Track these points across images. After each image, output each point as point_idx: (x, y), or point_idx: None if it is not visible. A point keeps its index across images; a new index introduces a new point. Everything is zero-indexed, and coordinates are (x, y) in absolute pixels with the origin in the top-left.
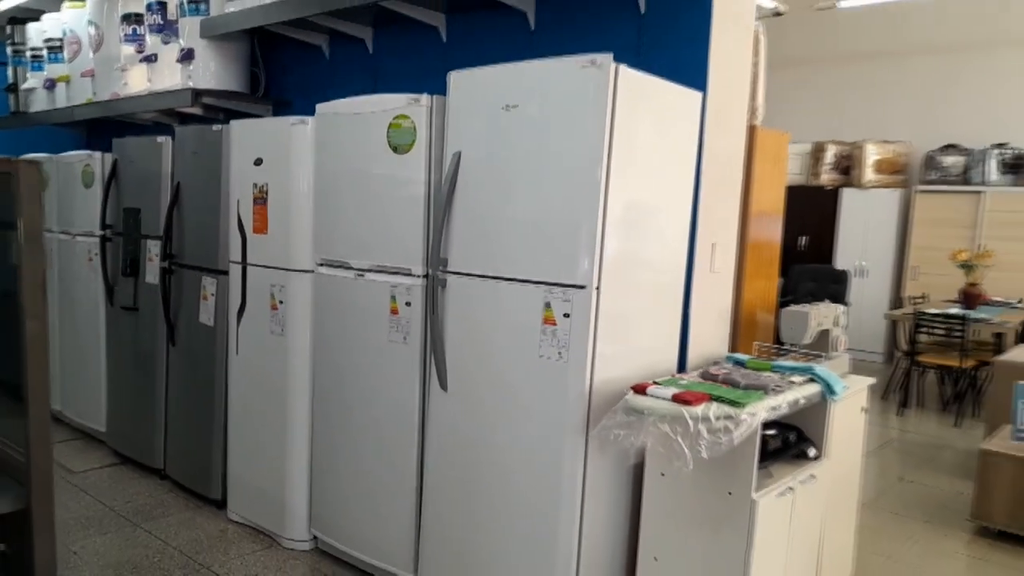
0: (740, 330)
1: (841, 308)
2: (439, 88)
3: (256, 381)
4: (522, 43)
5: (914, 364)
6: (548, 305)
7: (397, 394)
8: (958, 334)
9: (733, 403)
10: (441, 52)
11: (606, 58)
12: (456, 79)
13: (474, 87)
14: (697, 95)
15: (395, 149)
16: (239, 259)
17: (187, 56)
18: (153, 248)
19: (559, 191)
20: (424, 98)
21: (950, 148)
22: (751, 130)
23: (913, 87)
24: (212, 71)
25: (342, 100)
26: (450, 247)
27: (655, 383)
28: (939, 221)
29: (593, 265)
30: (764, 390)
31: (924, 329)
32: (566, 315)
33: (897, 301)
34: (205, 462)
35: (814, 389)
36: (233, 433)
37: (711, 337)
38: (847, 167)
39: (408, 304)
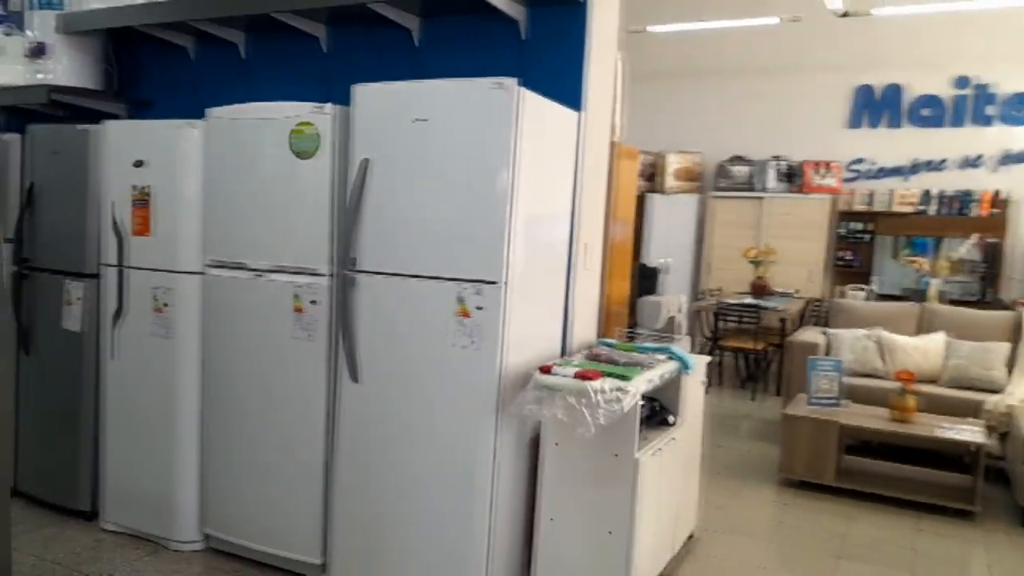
0: (605, 319)
1: (683, 298)
2: (320, 97)
3: (137, 385)
4: (406, 59)
5: (716, 348)
6: (462, 299)
7: (302, 388)
8: (753, 321)
9: (622, 377)
10: (322, 62)
11: (512, 81)
12: (362, 91)
13: (382, 100)
14: (575, 114)
15: (298, 155)
16: (114, 262)
17: (38, 51)
18: None
19: (470, 197)
20: (329, 107)
21: (737, 159)
22: (613, 145)
23: (707, 104)
24: (64, 67)
25: (238, 105)
26: (360, 248)
27: (556, 364)
28: (730, 223)
29: (503, 263)
30: (641, 366)
31: (724, 317)
32: (479, 308)
33: (698, 293)
34: (71, 473)
35: (674, 365)
36: (109, 440)
37: (586, 325)
38: (652, 174)
39: (314, 302)
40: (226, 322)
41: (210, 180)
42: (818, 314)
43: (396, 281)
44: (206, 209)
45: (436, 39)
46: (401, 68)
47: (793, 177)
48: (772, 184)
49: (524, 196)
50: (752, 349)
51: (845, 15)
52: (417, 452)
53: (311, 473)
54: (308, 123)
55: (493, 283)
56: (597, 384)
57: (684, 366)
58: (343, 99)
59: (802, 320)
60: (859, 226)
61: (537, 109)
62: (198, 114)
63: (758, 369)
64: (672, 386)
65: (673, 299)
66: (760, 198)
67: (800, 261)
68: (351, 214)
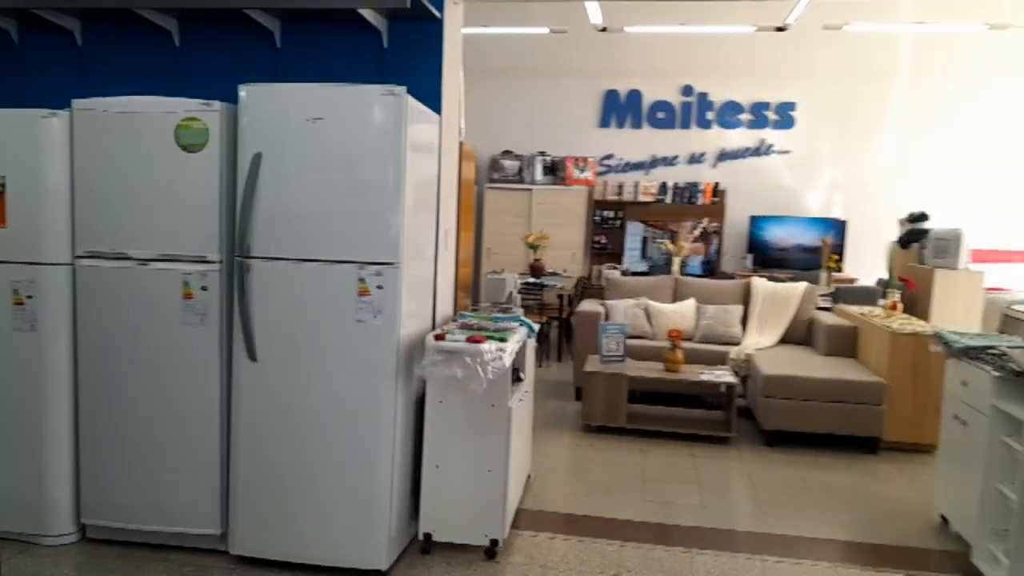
0: (457, 296)
1: (517, 275)
2: (168, 91)
3: None
4: (267, 59)
5: None
6: (363, 280)
7: (194, 371)
8: (536, 297)
9: (500, 340)
10: (173, 57)
11: (401, 89)
12: (250, 91)
13: (275, 100)
14: (437, 117)
15: (185, 148)
16: None
17: None
18: None
19: (367, 188)
20: (217, 103)
21: (507, 154)
22: (460, 145)
23: (481, 102)
24: None
25: (110, 98)
26: (255, 235)
27: (447, 333)
28: (504, 211)
29: (399, 247)
30: (509, 331)
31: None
32: (379, 287)
33: (479, 276)
34: None
35: (525, 330)
36: None
37: (447, 301)
38: None
39: (204, 288)
40: (106, 311)
41: (83, 171)
42: (586, 290)
43: (294, 265)
44: (79, 201)
45: (298, 42)
46: (262, 69)
47: (556, 170)
48: (539, 177)
49: (410, 188)
50: (536, 322)
51: (603, 30)
52: (321, 419)
53: (207, 450)
54: (195, 118)
55: (392, 264)
56: (486, 346)
57: (531, 331)
58: (197, 95)
59: (574, 296)
60: (611, 214)
61: (418, 113)
62: (19, 102)
63: (541, 339)
64: (520, 348)
65: (511, 277)
66: (529, 189)
67: (564, 245)
68: (245, 204)
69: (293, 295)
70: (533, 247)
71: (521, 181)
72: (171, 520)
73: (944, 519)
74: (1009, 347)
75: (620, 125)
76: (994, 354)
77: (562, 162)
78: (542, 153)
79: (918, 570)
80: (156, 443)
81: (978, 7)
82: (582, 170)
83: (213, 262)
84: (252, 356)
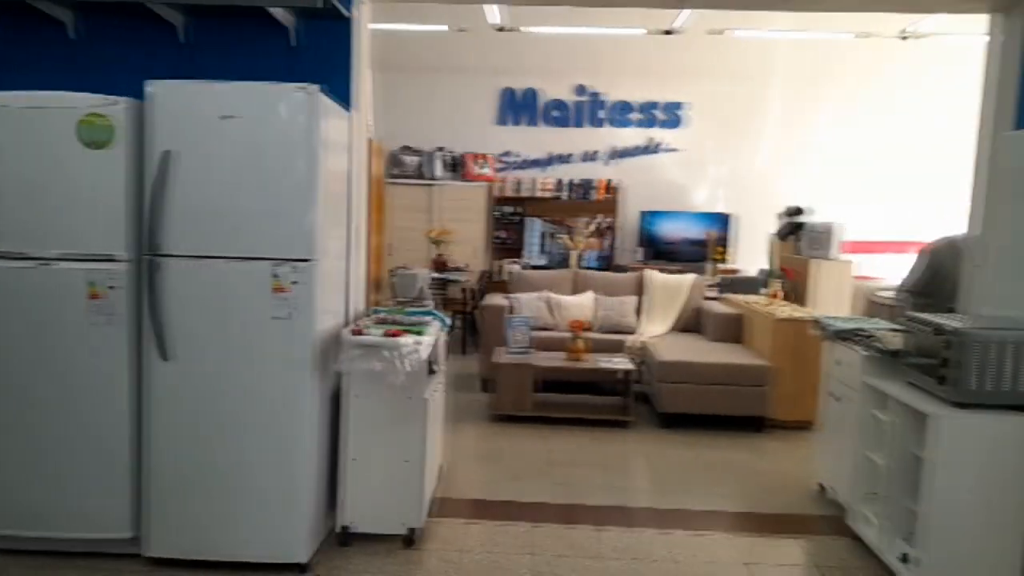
0: (369, 291)
1: (427, 271)
2: (67, 85)
3: None
4: (172, 55)
5: None
6: (277, 276)
7: (101, 371)
8: (440, 292)
9: (417, 333)
10: (71, 50)
11: (315, 88)
12: (159, 88)
13: (183, 97)
14: (349, 114)
15: (88, 144)
16: None
17: None
18: None
19: (280, 186)
20: (123, 100)
21: (407, 149)
22: (370, 143)
23: (381, 98)
24: None
25: (5, 92)
26: (166, 233)
27: (364, 328)
28: (405, 207)
29: (314, 243)
30: (424, 325)
31: None
32: (295, 282)
33: (389, 271)
34: None
35: (439, 324)
36: None
37: (359, 297)
38: None
39: (112, 287)
40: (5, 312)
41: None
42: (489, 284)
43: (207, 263)
44: None
45: (205, 38)
46: (167, 64)
47: (457, 167)
48: (439, 173)
49: (324, 183)
50: None
51: (501, 29)
52: (237, 416)
53: (117, 452)
54: (99, 114)
55: (308, 260)
56: (403, 340)
57: (444, 324)
58: (98, 90)
59: (478, 290)
60: (511, 209)
61: (330, 110)
62: None
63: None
64: (435, 341)
65: (423, 272)
66: (430, 185)
67: (466, 240)
68: (154, 202)
69: (207, 293)
70: (437, 242)
71: (422, 177)
72: (80, 526)
73: (823, 487)
74: (876, 329)
75: (517, 123)
76: (863, 336)
77: (462, 158)
78: (441, 149)
79: (801, 534)
80: (63, 447)
81: (846, 18)
82: (482, 166)
83: (121, 261)
84: (163, 355)
